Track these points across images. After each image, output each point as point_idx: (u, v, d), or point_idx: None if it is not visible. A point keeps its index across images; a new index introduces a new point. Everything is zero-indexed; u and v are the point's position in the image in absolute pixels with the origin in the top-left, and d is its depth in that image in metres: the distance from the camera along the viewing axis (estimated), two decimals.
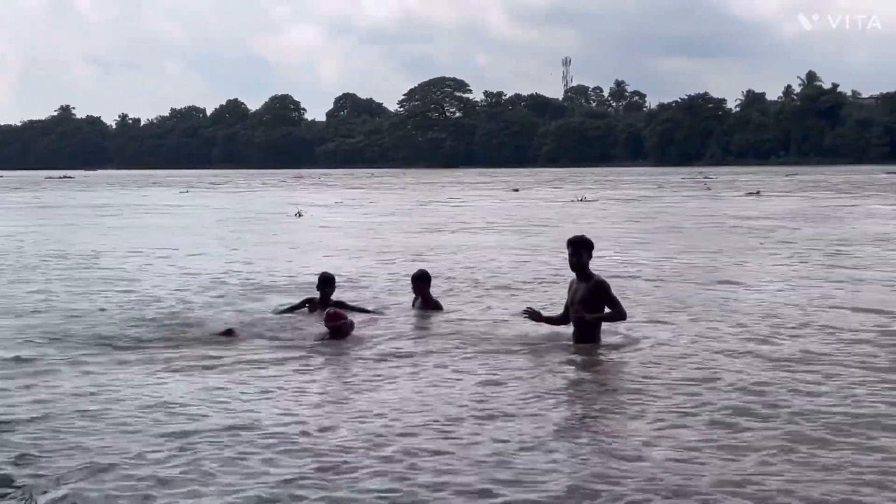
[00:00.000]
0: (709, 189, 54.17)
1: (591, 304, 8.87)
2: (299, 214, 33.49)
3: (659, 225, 27.51)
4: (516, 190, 57.05)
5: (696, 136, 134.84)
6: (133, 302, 12.66)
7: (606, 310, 8.94)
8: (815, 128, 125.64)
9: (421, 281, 11.20)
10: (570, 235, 9.32)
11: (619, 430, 6.50)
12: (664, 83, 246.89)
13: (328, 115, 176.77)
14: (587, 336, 9.03)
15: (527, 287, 13.94)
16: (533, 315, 9.31)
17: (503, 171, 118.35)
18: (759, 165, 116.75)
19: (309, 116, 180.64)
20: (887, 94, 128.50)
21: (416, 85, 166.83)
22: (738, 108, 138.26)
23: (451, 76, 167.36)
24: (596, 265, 9.38)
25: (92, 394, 7.51)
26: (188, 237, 24.59)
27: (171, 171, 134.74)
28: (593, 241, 9.15)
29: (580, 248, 8.92)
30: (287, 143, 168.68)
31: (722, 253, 18.78)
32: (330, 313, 9.70)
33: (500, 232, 25.41)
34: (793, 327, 10.20)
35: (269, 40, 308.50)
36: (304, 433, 6.38)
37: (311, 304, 11.20)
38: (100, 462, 5.76)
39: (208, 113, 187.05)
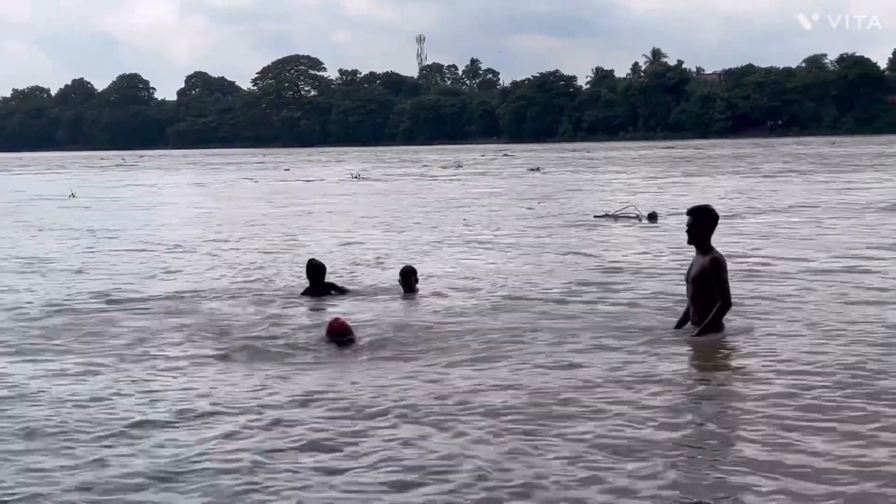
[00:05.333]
0: (460, 167, 54.52)
1: (703, 280, 8.04)
2: (72, 195, 33.53)
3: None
4: (287, 170, 56.98)
5: (549, 112, 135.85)
6: None
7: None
8: (661, 104, 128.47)
9: (409, 275, 11.13)
10: (691, 205, 8.39)
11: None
12: (518, 61, 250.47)
13: (179, 94, 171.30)
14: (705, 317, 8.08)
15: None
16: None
17: (357, 149, 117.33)
18: (608, 141, 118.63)
19: (159, 96, 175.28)
20: (729, 69, 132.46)
21: (270, 63, 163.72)
22: (588, 86, 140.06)
23: (307, 54, 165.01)
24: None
25: None
26: None
27: (8, 155, 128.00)
28: (717, 213, 8.26)
29: (699, 219, 8.12)
30: (136, 124, 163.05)
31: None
32: (334, 326, 8.31)
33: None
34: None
35: (117, 18, 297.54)
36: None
37: (306, 292, 11.11)
38: None
39: (53, 93, 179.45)
